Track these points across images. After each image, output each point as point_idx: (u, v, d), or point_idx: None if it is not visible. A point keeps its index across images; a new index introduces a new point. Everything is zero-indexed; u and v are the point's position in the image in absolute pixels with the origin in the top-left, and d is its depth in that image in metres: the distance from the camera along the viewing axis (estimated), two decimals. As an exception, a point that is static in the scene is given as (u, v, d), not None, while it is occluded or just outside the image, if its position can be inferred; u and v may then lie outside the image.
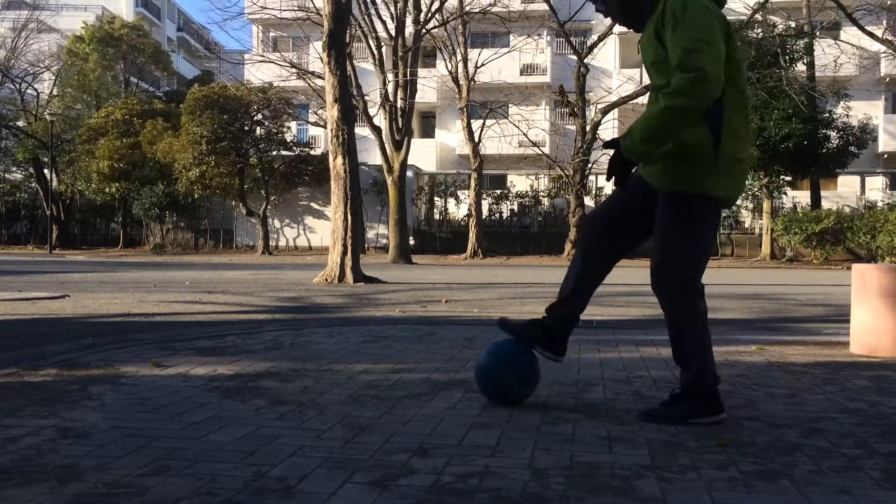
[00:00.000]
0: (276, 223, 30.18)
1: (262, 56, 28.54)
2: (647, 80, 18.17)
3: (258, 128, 28.01)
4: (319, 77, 21.80)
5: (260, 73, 27.27)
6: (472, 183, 25.81)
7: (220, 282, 11.52)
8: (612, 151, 2.53)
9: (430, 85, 30.54)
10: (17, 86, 36.36)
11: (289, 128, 29.06)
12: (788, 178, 24.72)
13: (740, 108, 2.45)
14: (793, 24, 24.92)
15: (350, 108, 11.79)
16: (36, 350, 3.99)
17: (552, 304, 2.78)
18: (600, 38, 23.98)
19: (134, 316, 6.32)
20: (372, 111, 23.37)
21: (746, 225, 28.57)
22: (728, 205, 2.57)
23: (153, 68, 38.57)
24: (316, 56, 19.58)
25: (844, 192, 29.22)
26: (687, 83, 2.24)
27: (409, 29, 23.00)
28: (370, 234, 28.31)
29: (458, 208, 30.13)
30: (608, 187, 29.51)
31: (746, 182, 2.53)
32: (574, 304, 2.74)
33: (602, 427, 2.44)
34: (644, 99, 20.89)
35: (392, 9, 22.97)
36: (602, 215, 2.72)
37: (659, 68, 2.44)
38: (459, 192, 29.84)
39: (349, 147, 11.28)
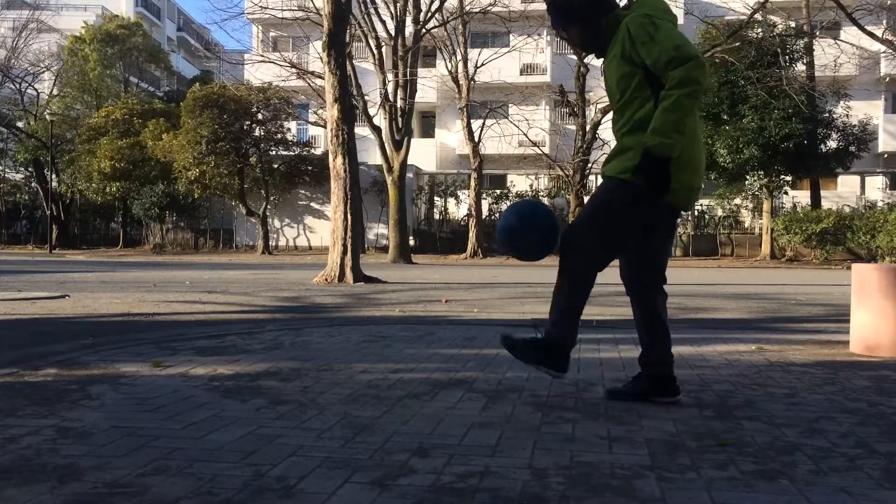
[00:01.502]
0: (276, 223, 30.17)
1: (262, 56, 28.50)
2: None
3: (258, 128, 28.01)
4: (319, 77, 21.78)
5: (260, 73, 27.24)
6: (472, 183, 25.81)
7: (219, 281, 11.52)
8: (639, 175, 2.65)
9: (430, 85, 30.51)
10: (18, 86, 36.37)
11: (289, 129, 29.05)
12: (788, 178, 24.70)
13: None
14: (793, 24, 24.90)
15: (350, 108, 11.79)
16: (36, 350, 4.00)
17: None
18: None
19: (134, 316, 6.32)
20: (372, 111, 23.36)
21: (746, 225, 28.56)
22: (675, 202, 2.73)
23: (153, 68, 38.54)
24: (316, 56, 19.57)
25: (844, 192, 29.19)
26: (690, 71, 2.53)
27: (409, 29, 22.99)
28: (370, 234, 28.30)
29: (458, 208, 30.11)
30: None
31: (696, 185, 2.73)
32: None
33: (602, 427, 2.44)
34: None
35: (392, 9, 22.96)
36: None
37: (626, 81, 2.72)
38: (459, 192, 29.83)
39: (349, 147, 11.28)
